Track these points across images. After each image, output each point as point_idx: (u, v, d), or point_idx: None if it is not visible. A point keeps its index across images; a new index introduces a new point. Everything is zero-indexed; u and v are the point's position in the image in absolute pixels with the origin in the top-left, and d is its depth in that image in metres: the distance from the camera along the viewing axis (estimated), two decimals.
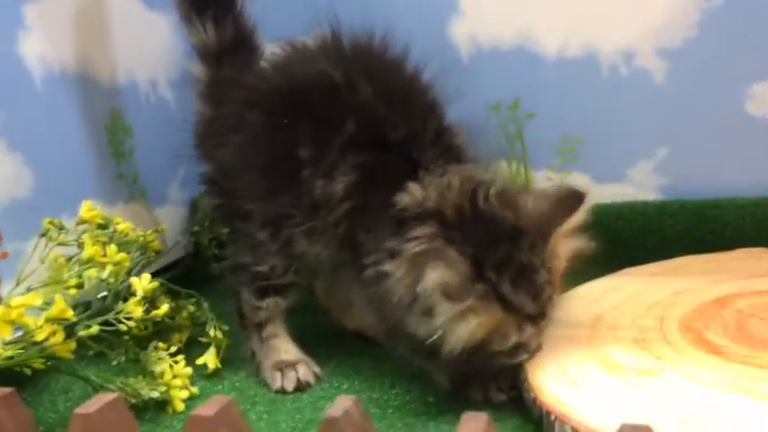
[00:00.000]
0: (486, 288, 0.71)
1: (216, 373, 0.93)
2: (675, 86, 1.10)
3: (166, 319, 0.97)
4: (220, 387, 0.90)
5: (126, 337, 0.89)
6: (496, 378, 0.80)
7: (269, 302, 0.90)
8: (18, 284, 0.76)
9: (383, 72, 0.84)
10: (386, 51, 0.85)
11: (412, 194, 0.77)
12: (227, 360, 0.95)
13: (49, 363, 0.74)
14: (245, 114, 0.87)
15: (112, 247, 0.80)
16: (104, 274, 0.76)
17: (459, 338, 0.70)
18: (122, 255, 0.80)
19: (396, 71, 0.85)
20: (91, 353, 0.91)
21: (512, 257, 0.72)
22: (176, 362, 0.88)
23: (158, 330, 0.98)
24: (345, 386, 0.88)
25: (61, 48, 1.01)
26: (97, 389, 0.80)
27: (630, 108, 1.13)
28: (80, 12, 1.04)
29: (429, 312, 0.71)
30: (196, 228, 1.12)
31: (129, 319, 0.79)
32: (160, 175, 1.21)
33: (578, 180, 1.17)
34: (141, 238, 0.91)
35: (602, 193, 1.16)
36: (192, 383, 0.89)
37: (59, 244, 0.80)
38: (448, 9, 1.17)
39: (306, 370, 0.89)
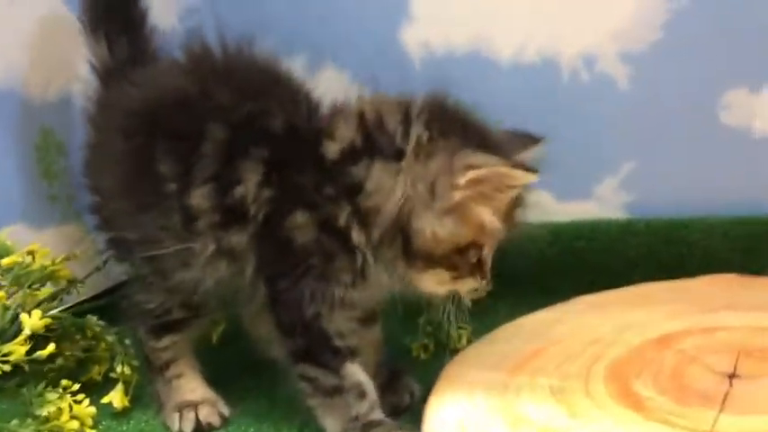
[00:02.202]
0: None
1: (124, 412, 0.87)
2: (641, 94, 1.01)
3: (79, 354, 0.93)
4: (125, 428, 0.85)
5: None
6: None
7: (166, 342, 0.85)
8: None
9: (241, 74, 0.78)
10: (252, 57, 0.80)
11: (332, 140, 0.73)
12: (139, 398, 0.89)
13: None
14: (110, 138, 0.83)
15: None
16: None
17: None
18: (1, 293, 0.74)
19: (254, 70, 0.79)
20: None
21: None
22: (77, 401, 0.82)
23: (82, 362, 0.94)
24: (252, 429, 0.82)
25: None
26: None
27: (594, 118, 1.04)
28: (4, 27, 1.00)
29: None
30: None
31: (5, 362, 0.73)
32: None
33: (540, 197, 1.08)
34: (47, 269, 0.86)
35: (565, 211, 1.07)
36: (98, 423, 0.84)
37: None
38: (398, 13, 1.09)
39: (209, 411, 0.83)
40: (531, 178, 0.70)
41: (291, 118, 0.75)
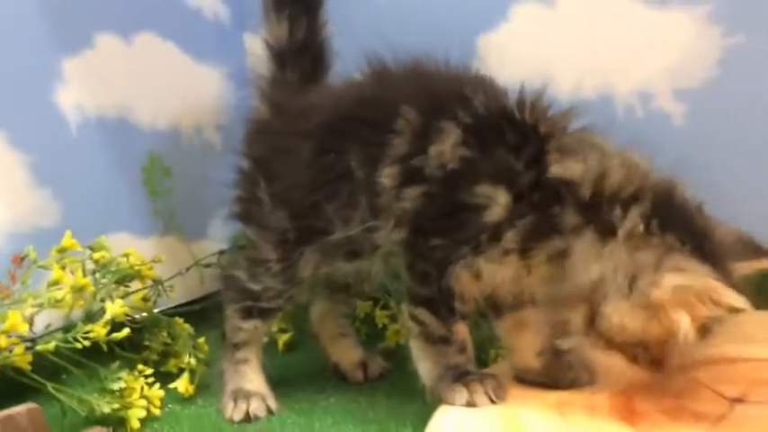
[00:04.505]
0: None
1: (188, 399, 0.98)
2: (696, 130, 1.01)
3: (159, 347, 1.06)
4: (186, 412, 0.95)
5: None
6: None
7: (250, 325, 0.94)
8: None
9: (426, 73, 0.87)
10: (426, 64, 0.87)
11: (569, 167, 0.75)
12: (202, 389, 1.00)
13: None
14: (298, 142, 0.91)
15: (79, 274, 0.89)
16: (59, 296, 0.84)
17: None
18: (86, 280, 0.88)
19: (437, 69, 0.87)
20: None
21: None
22: (149, 384, 0.95)
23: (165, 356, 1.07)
24: (290, 421, 0.90)
25: (99, 97, 1.14)
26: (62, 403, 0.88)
27: (649, 153, 1.05)
28: (122, 66, 1.18)
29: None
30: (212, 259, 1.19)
31: (86, 338, 0.87)
32: (200, 213, 1.30)
33: None
34: (134, 268, 1.00)
35: None
36: (165, 405, 0.95)
37: (39, 267, 0.91)
38: (466, 53, 1.15)
39: (259, 404, 0.92)
40: (738, 303, 0.66)
41: (489, 96, 0.81)
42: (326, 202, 0.86)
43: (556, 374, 0.80)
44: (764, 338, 0.82)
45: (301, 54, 0.99)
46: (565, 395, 0.75)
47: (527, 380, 0.81)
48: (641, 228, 0.71)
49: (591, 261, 0.71)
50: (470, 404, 0.75)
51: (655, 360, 0.71)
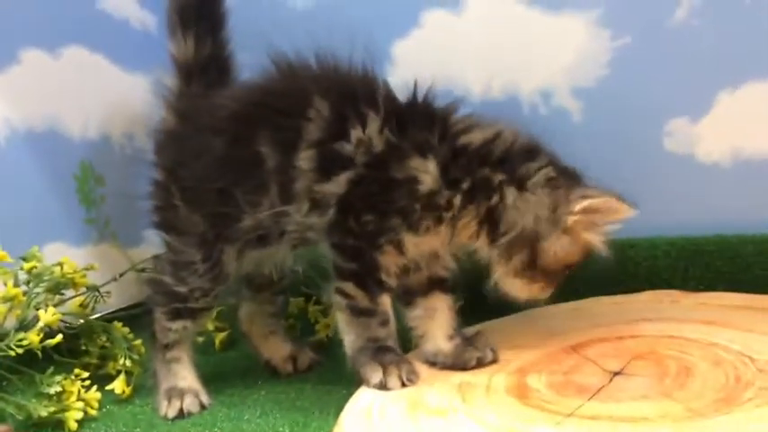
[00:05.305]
0: None
1: (125, 399, 1.03)
2: (591, 124, 1.10)
3: (97, 351, 1.10)
4: (123, 412, 1.00)
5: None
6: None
7: (178, 326, 0.98)
8: None
9: (329, 68, 0.94)
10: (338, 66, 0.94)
11: (474, 136, 0.88)
12: (139, 389, 1.04)
13: None
14: (206, 141, 0.95)
15: (9, 284, 0.92)
16: None
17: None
18: (16, 290, 0.92)
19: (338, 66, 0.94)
20: None
21: None
22: (86, 387, 0.99)
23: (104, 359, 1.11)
24: (221, 414, 0.95)
25: (27, 110, 1.17)
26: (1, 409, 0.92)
27: (551, 147, 1.13)
28: (50, 79, 1.21)
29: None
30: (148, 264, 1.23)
31: (19, 346, 0.90)
32: (135, 220, 1.34)
33: None
34: (66, 276, 1.04)
35: None
36: (102, 407, 0.99)
37: None
38: (382, 58, 1.22)
39: (192, 400, 0.97)
40: (632, 212, 0.83)
41: (387, 90, 0.91)
42: (235, 189, 0.91)
43: (464, 356, 0.87)
44: (651, 318, 0.90)
45: (207, 69, 1.03)
46: (467, 376, 0.82)
47: (438, 363, 0.88)
48: (551, 174, 0.86)
49: (522, 210, 0.84)
50: (383, 386, 0.82)
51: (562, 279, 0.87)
